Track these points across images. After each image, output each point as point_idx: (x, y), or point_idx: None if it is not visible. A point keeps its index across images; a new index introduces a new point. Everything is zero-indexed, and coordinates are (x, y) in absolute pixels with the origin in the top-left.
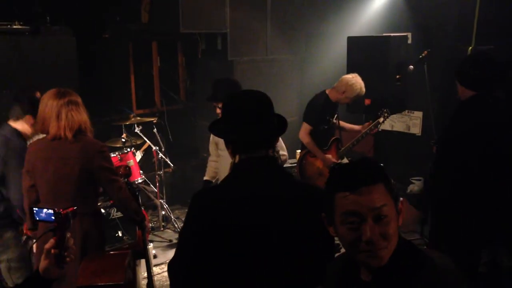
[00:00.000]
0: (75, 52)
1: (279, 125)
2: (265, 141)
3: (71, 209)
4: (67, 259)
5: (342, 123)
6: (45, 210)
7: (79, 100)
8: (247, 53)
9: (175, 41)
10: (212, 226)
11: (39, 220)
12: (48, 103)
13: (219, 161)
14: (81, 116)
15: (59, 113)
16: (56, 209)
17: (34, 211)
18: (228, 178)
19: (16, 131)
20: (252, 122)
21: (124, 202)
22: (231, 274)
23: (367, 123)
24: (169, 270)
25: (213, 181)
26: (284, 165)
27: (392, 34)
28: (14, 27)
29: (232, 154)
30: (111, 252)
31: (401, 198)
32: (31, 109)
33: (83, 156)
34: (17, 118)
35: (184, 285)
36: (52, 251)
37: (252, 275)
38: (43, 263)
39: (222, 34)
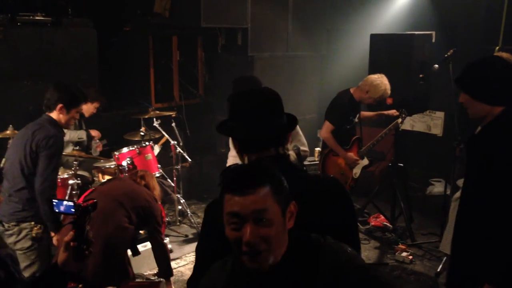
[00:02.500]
0: (95, 44)
1: (289, 123)
2: (273, 139)
3: (91, 201)
4: (86, 252)
5: (363, 113)
6: (65, 202)
7: None
8: (268, 49)
9: (195, 36)
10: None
11: (58, 212)
12: None
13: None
14: None
15: None
16: (76, 201)
17: (54, 203)
18: None
19: (51, 120)
20: (259, 120)
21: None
22: None
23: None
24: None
25: None
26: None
27: (416, 32)
28: (37, 18)
29: (240, 153)
30: (145, 282)
31: (292, 201)
32: (64, 98)
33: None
34: (50, 109)
35: None
36: (71, 244)
37: None
38: (61, 256)
39: (243, 29)
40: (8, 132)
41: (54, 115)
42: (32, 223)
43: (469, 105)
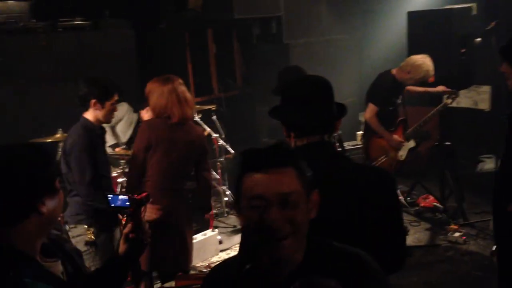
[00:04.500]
0: (133, 43)
1: (338, 112)
2: (320, 125)
3: (144, 194)
4: (144, 242)
5: (410, 88)
6: (120, 196)
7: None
8: (303, 35)
9: (229, 28)
10: None
11: (114, 207)
12: (162, 89)
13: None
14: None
15: (180, 99)
16: (130, 195)
17: (109, 198)
18: None
19: (84, 124)
20: (308, 105)
21: (210, 184)
22: None
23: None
24: None
25: None
26: (346, 147)
27: (455, 6)
28: (76, 22)
29: (288, 137)
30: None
31: (315, 190)
32: (95, 92)
33: (200, 140)
34: (85, 106)
35: None
36: (130, 235)
37: None
38: (122, 247)
39: (276, 18)
40: (58, 135)
41: (90, 114)
42: (85, 226)
43: (510, 75)
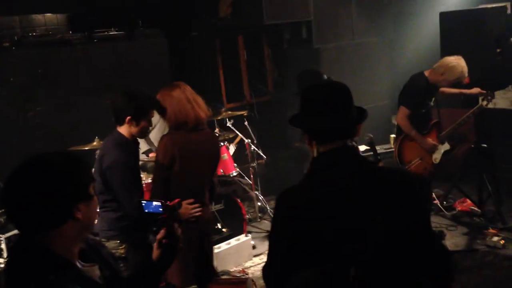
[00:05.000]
0: (167, 52)
1: (359, 116)
2: (342, 130)
3: (177, 200)
4: (177, 248)
5: (444, 89)
6: (154, 202)
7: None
8: (333, 39)
9: (260, 33)
10: (301, 228)
11: (148, 213)
12: (171, 96)
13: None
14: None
15: (190, 100)
16: (163, 201)
17: (143, 204)
18: (311, 175)
19: (118, 141)
20: (328, 111)
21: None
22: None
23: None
24: (263, 274)
25: None
26: (379, 150)
27: (488, 6)
28: (111, 33)
29: (310, 145)
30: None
31: None
32: (131, 109)
33: (217, 147)
34: (119, 122)
35: None
36: (163, 241)
37: (344, 276)
38: (155, 253)
39: (307, 22)
40: (94, 143)
41: (124, 129)
42: (118, 241)
43: None
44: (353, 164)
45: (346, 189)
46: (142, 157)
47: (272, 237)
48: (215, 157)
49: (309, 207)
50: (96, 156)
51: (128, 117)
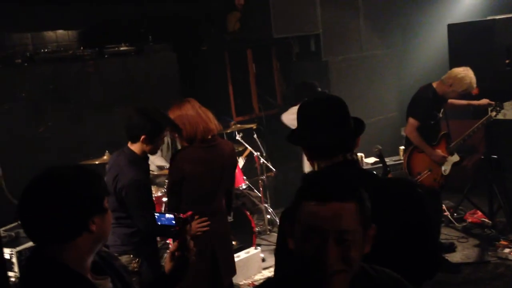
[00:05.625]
0: (176, 66)
1: (356, 128)
2: (340, 145)
3: (189, 213)
4: (189, 260)
5: (453, 101)
6: (167, 215)
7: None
8: (341, 52)
9: (268, 47)
10: None
11: (160, 225)
12: (181, 111)
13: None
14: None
15: (200, 114)
16: (176, 213)
17: (156, 217)
18: None
19: (131, 158)
20: (324, 127)
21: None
22: None
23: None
24: None
25: None
26: (388, 162)
27: (497, 17)
28: (121, 48)
29: (310, 161)
30: None
31: (373, 225)
32: (146, 129)
33: (232, 156)
34: (133, 139)
35: None
36: (176, 253)
37: None
38: (168, 265)
39: (315, 36)
40: (105, 157)
41: (136, 147)
42: (131, 256)
43: None
44: (354, 178)
45: None
46: (153, 167)
47: (277, 252)
48: (231, 166)
49: None
50: (107, 171)
51: (143, 136)
